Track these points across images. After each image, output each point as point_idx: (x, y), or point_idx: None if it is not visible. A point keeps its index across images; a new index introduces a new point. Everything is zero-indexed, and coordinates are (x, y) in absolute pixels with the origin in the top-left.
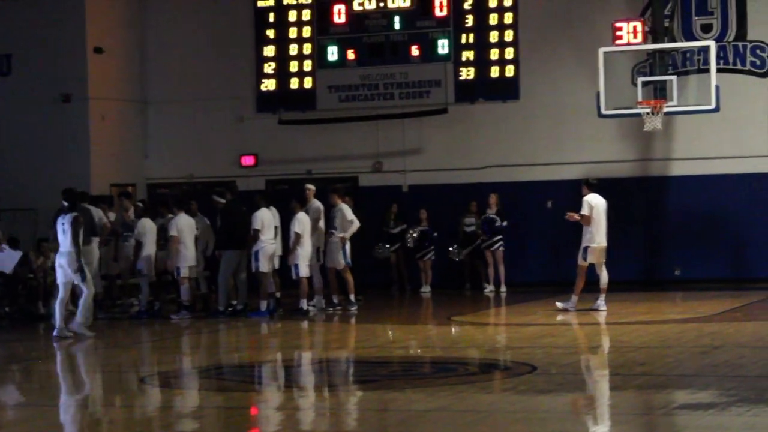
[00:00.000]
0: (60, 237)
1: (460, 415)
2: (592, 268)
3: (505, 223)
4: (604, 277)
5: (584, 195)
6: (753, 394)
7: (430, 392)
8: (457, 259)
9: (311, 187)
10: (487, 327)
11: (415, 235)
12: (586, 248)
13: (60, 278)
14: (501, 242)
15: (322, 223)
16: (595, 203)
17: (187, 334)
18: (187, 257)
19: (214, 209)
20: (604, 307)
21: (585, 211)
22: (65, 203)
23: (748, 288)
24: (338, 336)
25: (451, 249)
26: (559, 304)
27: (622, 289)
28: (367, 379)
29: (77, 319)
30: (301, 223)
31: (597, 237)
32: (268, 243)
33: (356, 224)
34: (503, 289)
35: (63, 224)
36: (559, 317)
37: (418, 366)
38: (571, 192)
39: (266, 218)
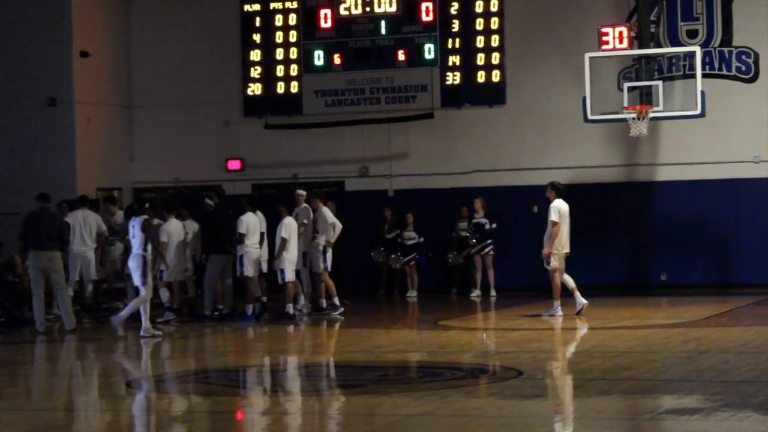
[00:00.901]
0: (131, 240)
1: (447, 420)
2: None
3: (494, 226)
4: (569, 280)
5: (550, 198)
6: (738, 399)
7: (417, 397)
8: (456, 263)
9: (302, 192)
10: (473, 331)
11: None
12: (550, 253)
13: (136, 280)
14: (491, 246)
15: (305, 228)
16: (562, 209)
17: (174, 339)
18: (171, 262)
19: (205, 212)
20: (560, 312)
21: (554, 217)
22: (134, 207)
23: (733, 293)
24: (325, 340)
25: (450, 257)
26: (544, 315)
27: (608, 294)
28: (354, 383)
29: (123, 313)
30: (288, 227)
31: (562, 242)
32: (253, 247)
33: (338, 226)
34: (492, 293)
35: (134, 227)
36: (544, 319)
37: (405, 370)
38: None
39: (251, 222)
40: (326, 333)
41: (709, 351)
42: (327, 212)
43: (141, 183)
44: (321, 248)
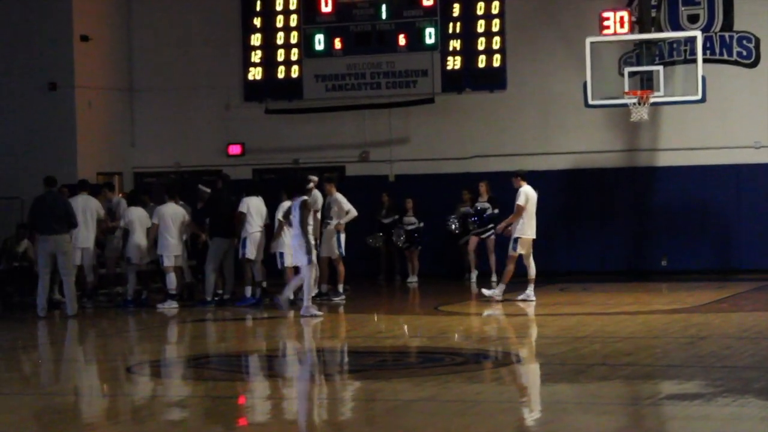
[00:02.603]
0: (293, 220)
1: (447, 405)
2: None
3: (496, 211)
4: (532, 268)
5: (517, 186)
6: (739, 385)
7: (417, 382)
8: (453, 228)
9: (314, 178)
10: (473, 317)
11: (402, 238)
12: (517, 239)
13: (295, 261)
14: (492, 231)
15: (318, 214)
16: (530, 195)
17: (174, 324)
18: (171, 246)
19: (203, 197)
20: (533, 297)
21: (521, 201)
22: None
23: (734, 279)
24: (325, 326)
25: (451, 219)
26: (485, 292)
27: (609, 280)
28: (354, 368)
29: (286, 292)
30: (285, 210)
31: (528, 229)
32: (256, 230)
33: (353, 213)
34: (494, 278)
35: (295, 207)
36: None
37: (405, 356)
38: (559, 182)
39: (253, 204)
40: (327, 318)
41: (710, 336)
42: (342, 198)
43: (142, 168)
44: (336, 233)
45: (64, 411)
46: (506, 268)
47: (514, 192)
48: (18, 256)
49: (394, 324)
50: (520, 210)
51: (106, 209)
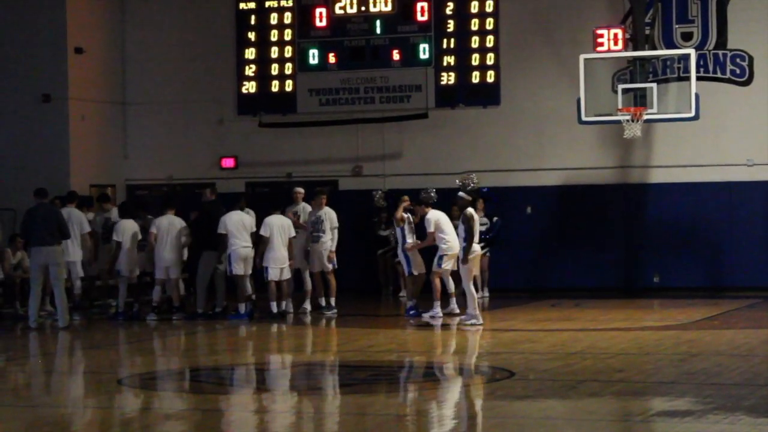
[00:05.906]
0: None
1: (438, 420)
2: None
3: (495, 225)
4: (451, 284)
5: (424, 214)
6: (730, 402)
7: (407, 397)
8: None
9: (301, 190)
10: (465, 332)
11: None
12: (442, 256)
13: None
14: (488, 248)
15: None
16: (437, 217)
17: (165, 337)
18: (163, 258)
19: (200, 206)
20: (441, 314)
21: (431, 228)
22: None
23: (726, 296)
24: (316, 339)
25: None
26: (425, 316)
27: (600, 296)
28: (344, 382)
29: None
30: (268, 226)
31: (454, 245)
32: (241, 246)
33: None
34: (486, 293)
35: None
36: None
37: (396, 370)
38: (551, 198)
39: (231, 222)
40: (318, 332)
41: (701, 353)
42: (332, 213)
43: (135, 180)
44: (328, 248)
45: (55, 423)
46: (433, 287)
47: (505, 207)
48: (12, 267)
49: (384, 338)
50: (432, 237)
51: (102, 221)
